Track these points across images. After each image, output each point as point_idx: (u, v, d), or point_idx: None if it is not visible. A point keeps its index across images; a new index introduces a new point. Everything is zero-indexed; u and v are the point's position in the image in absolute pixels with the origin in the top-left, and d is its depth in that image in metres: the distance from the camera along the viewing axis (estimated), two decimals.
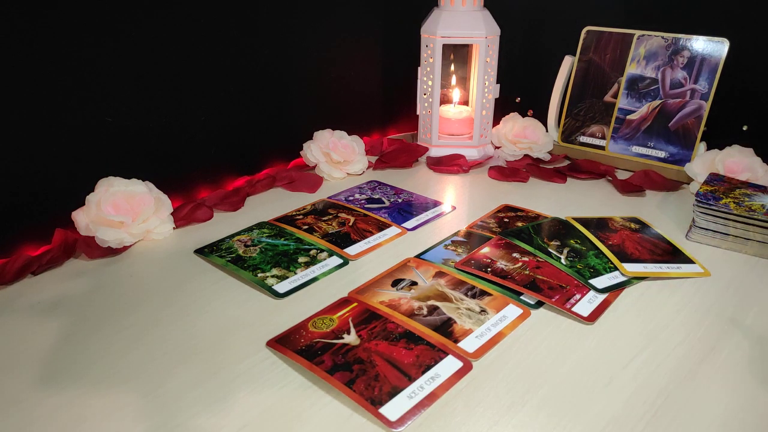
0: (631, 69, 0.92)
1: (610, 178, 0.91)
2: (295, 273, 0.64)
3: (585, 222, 0.75)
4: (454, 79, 1.01)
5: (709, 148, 0.89)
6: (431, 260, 0.67)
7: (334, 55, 0.96)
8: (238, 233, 0.73)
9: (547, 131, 1.00)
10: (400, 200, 0.84)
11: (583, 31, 0.95)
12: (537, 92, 1.04)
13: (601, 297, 0.60)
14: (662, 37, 0.89)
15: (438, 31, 0.91)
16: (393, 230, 0.75)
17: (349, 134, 0.94)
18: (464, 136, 1.01)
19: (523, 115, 1.04)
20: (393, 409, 0.45)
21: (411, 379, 0.48)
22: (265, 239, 0.71)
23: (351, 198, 0.84)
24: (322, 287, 0.63)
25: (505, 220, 0.77)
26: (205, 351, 0.53)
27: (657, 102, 0.91)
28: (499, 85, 0.97)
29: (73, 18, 0.66)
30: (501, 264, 0.65)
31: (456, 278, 0.63)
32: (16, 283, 0.64)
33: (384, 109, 1.07)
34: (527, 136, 0.98)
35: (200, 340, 0.54)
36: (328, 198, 0.84)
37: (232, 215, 0.79)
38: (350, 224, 0.76)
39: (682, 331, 0.55)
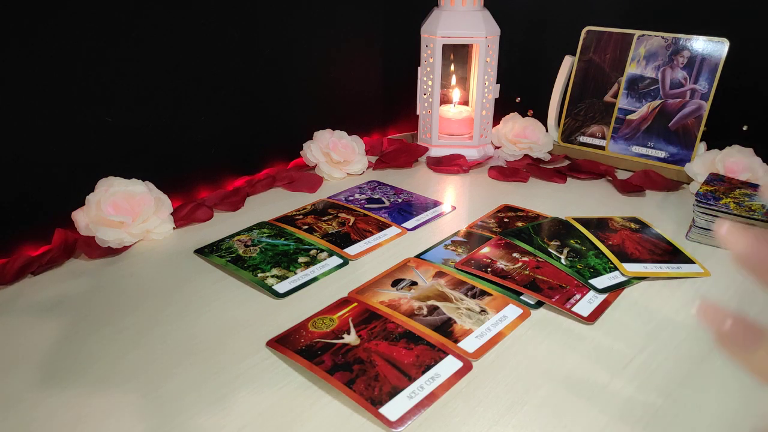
0: (631, 69, 0.92)
1: (610, 178, 0.91)
2: (295, 273, 0.64)
3: (585, 222, 0.75)
4: (454, 79, 1.01)
5: (709, 148, 0.89)
6: (431, 260, 0.67)
7: (334, 54, 0.96)
8: (238, 233, 0.73)
9: (547, 131, 1.00)
10: (400, 200, 0.84)
11: (583, 31, 0.95)
12: (537, 92, 1.04)
13: (601, 297, 0.60)
14: (662, 37, 0.89)
15: (438, 31, 0.91)
16: (393, 230, 0.75)
17: (349, 134, 0.94)
18: (464, 136, 1.00)
19: (523, 115, 1.04)
20: (393, 409, 0.45)
21: (411, 379, 0.48)
22: (265, 239, 0.71)
23: (351, 198, 0.84)
24: (322, 287, 0.62)
25: (505, 220, 0.77)
26: (205, 351, 0.53)
27: (657, 102, 0.91)
28: (499, 85, 0.97)
29: (72, 18, 0.66)
30: (501, 264, 0.65)
31: (456, 278, 0.63)
32: (16, 283, 0.64)
33: (384, 109, 1.07)
34: (527, 136, 0.98)
35: (200, 340, 0.54)
36: (328, 198, 0.84)
37: (232, 215, 0.79)
38: (350, 224, 0.76)
39: (682, 331, 0.55)
